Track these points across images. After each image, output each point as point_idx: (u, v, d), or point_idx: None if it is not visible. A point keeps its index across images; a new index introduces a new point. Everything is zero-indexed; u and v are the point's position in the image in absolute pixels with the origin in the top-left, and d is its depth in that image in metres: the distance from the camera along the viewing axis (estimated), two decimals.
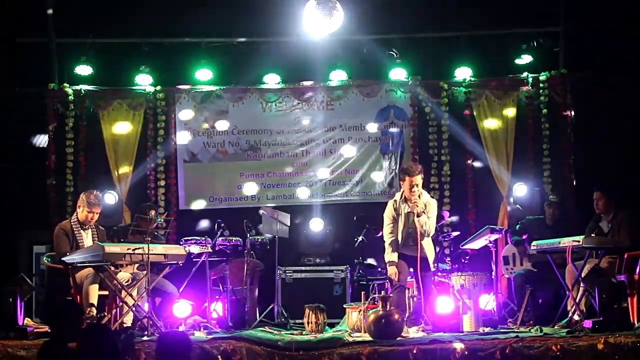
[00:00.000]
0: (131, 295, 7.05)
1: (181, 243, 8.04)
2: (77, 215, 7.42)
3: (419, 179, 7.32)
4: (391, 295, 7.10)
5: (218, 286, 8.27)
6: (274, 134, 10.00)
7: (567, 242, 7.21)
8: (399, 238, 7.32)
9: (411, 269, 7.40)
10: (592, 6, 9.22)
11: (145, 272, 7.01)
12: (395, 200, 7.45)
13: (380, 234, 7.72)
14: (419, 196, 7.32)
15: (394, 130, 9.92)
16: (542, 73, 9.74)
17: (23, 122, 9.71)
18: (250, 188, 9.92)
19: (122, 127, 9.82)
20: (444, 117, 9.84)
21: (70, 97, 9.70)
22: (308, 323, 7.53)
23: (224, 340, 6.42)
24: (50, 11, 9.44)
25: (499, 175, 9.70)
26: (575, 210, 9.25)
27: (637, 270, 6.98)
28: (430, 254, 7.39)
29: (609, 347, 6.01)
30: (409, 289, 7.54)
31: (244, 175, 9.99)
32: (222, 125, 9.94)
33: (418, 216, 7.23)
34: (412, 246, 7.30)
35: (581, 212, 8.64)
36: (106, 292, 7.19)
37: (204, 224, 9.62)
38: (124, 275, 7.24)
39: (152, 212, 8.11)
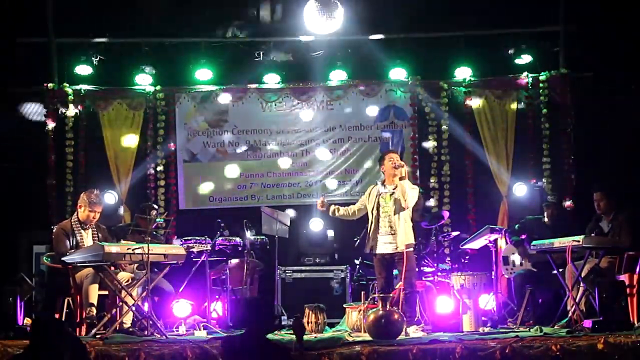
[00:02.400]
0: (131, 295, 7.04)
1: (181, 243, 8.03)
2: (77, 215, 7.40)
3: (394, 156, 7.37)
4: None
5: (218, 286, 8.27)
6: (274, 134, 10.01)
7: (567, 242, 7.21)
8: (373, 228, 7.29)
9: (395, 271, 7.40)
10: (592, 6, 9.22)
11: (144, 271, 7.01)
12: (372, 187, 7.48)
13: None
14: (402, 180, 7.29)
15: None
16: (542, 73, 9.73)
17: (23, 122, 9.71)
18: (250, 188, 9.93)
19: (122, 127, 9.82)
20: (444, 117, 9.84)
21: (70, 97, 9.70)
22: (308, 323, 7.53)
23: None
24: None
25: (499, 175, 9.70)
26: (575, 210, 9.25)
27: (637, 270, 6.99)
28: (407, 239, 7.24)
29: (609, 347, 6.00)
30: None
31: (244, 175, 10.00)
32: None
33: (401, 179, 7.21)
34: (389, 235, 7.26)
35: (581, 212, 8.64)
36: (106, 292, 7.19)
37: (204, 224, 9.62)
38: (124, 275, 7.24)
39: (153, 212, 8.11)
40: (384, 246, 7.30)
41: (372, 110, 10.01)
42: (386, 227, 7.28)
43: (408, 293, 7.24)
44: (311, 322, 7.50)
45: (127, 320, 7.05)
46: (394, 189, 7.31)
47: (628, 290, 6.97)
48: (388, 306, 6.78)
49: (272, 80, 9.90)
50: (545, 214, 8.48)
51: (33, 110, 9.79)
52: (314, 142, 10.01)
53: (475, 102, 9.84)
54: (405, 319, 6.91)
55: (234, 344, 5.14)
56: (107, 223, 8.22)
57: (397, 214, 7.25)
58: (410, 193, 7.21)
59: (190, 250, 7.91)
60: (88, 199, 7.34)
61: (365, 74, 9.97)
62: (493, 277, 8.40)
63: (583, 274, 7.18)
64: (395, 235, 7.23)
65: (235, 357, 5.06)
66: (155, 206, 8.76)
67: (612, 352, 5.98)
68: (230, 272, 8.26)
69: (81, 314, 7.01)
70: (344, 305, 7.85)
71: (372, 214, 7.35)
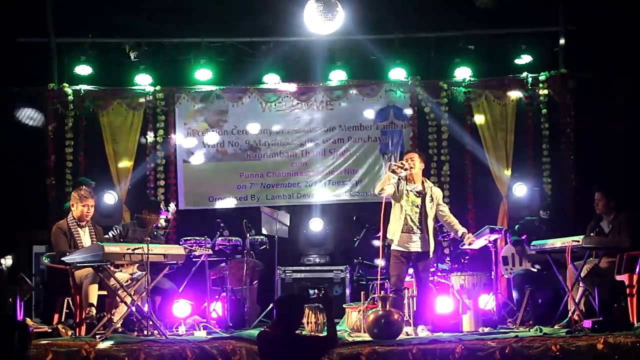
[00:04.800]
0: (131, 295, 7.03)
1: (181, 243, 8.04)
2: (72, 214, 7.40)
3: (414, 155, 7.24)
4: (391, 295, 7.08)
5: (218, 286, 8.27)
6: (273, 134, 10.01)
7: (567, 242, 7.21)
8: (400, 225, 7.13)
9: (410, 270, 7.39)
10: (592, 6, 9.22)
11: (144, 272, 7.00)
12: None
13: (380, 234, 7.67)
14: (423, 181, 7.25)
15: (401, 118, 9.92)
16: (542, 73, 9.74)
17: (23, 122, 9.71)
18: (250, 188, 9.93)
19: (122, 127, 9.82)
20: (443, 117, 9.84)
21: (70, 97, 9.70)
22: (308, 323, 7.51)
23: (223, 340, 6.41)
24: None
25: (498, 175, 9.70)
26: (575, 210, 9.25)
27: (637, 270, 6.98)
28: (431, 241, 7.19)
29: (608, 347, 6.01)
30: (408, 289, 7.53)
31: (244, 175, 10.00)
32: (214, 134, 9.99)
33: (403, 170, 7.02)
34: (416, 233, 7.13)
35: (581, 212, 8.64)
36: (106, 292, 7.18)
37: (204, 224, 9.61)
38: (122, 276, 7.22)
39: (172, 206, 8.24)
40: (407, 244, 7.16)
41: (372, 110, 10.01)
42: (410, 225, 7.17)
43: (423, 294, 7.23)
44: (311, 322, 7.50)
45: (120, 321, 6.99)
46: (419, 189, 7.23)
47: (628, 290, 6.97)
48: (388, 306, 6.78)
49: (272, 80, 9.90)
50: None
51: (27, 115, 9.77)
52: (313, 142, 10.01)
53: (475, 102, 9.84)
54: (411, 318, 6.92)
55: (268, 338, 5.25)
56: (107, 223, 8.23)
57: (421, 214, 7.17)
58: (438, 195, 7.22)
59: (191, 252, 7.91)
60: (78, 195, 7.36)
61: (365, 74, 9.98)
62: (493, 277, 8.41)
63: (583, 274, 7.18)
64: (418, 235, 7.16)
65: (270, 351, 5.19)
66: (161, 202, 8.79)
67: (612, 352, 5.99)
68: (230, 272, 8.26)
69: (81, 314, 7.01)
70: (344, 306, 7.85)
71: (400, 207, 7.18)
